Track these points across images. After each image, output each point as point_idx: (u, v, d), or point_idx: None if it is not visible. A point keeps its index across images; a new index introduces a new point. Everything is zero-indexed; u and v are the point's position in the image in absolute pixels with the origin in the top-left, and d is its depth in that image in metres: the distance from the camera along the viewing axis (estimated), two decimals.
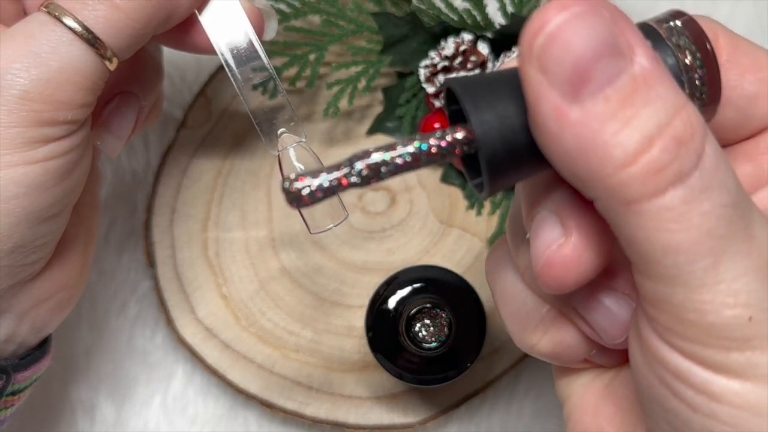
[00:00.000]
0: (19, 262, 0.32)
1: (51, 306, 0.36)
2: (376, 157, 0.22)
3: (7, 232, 0.31)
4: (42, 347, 0.38)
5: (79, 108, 0.31)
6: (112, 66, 0.32)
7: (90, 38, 0.31)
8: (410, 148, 0.22)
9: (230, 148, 0.50)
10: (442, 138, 0.22)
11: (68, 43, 0.30)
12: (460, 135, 0.22)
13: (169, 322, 0.48)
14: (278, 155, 0.35)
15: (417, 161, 0.22)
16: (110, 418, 0.49)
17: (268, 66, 0.35)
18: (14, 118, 0.30)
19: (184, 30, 0.35)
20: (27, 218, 0.31)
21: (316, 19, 0.48)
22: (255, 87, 0.48)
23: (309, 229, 0.34)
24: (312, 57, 0.47)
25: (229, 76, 0.35)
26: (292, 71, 0.48)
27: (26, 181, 0.30)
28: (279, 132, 0.35)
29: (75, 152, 0.32)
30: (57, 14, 0.30)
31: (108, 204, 0.50)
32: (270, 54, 0.47)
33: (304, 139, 0.35)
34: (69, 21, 0.30)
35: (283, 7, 0.47)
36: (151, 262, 0.48)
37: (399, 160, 0.22)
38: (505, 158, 0.22)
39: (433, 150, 0.22)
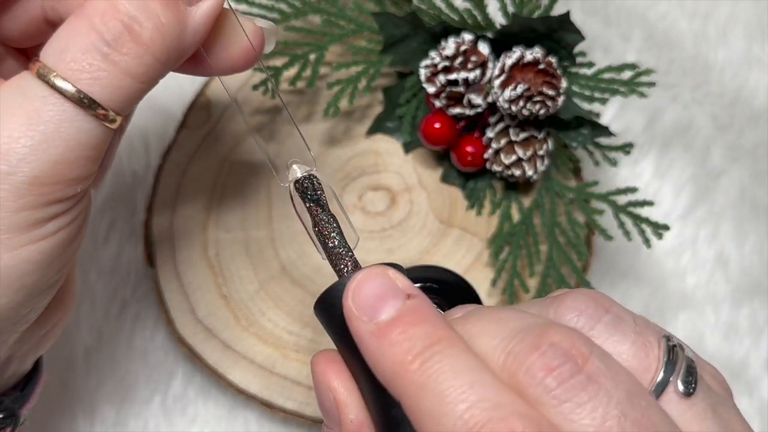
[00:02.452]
0: (24, 324, 0.32)
1: (47, 336, 0.36)
2: None
3: (14, 306, 0.30)
4: (36, 369, 0.37)
5: (87, 179, 0.30)
6: (115, 125, 0.29)
7: (96, 110, 0.28)
8: None
9: (230, 148, 0.50)
10: None
11: (72, 118, 0.28)
12: None
13: (169, 322, 0.48)
14: (289, 186, 0.34)
15: None
16: (110, 418, 0.49)
17: (280, 101, 0.34)
18: (23, 203, 0.28)
19: (187, 60, 0.33)
20: (32, 292, 0.30)
21: (316, 18, 0.48)
22: (254, 88, 0.48)
23: (322, 255, 0.34)
24: (312, 57, 0.47)
25: (234, 106, 0.34)
26: (292, 71, 0.48)
27: (36, 257, 0.29)
28: (289, 162, 0.35)
29: (80, 217, 0.31)
30: (59, 86, 0.28)
31: (108, 204, 0.50)
32: (270, 54, 0.47)
33: (314, 169, 0.34)
34: (71, 93, 0.28)
35: (283, 6, 0.47)
36: (151, 262, 0.48)
37: None
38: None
39: None
